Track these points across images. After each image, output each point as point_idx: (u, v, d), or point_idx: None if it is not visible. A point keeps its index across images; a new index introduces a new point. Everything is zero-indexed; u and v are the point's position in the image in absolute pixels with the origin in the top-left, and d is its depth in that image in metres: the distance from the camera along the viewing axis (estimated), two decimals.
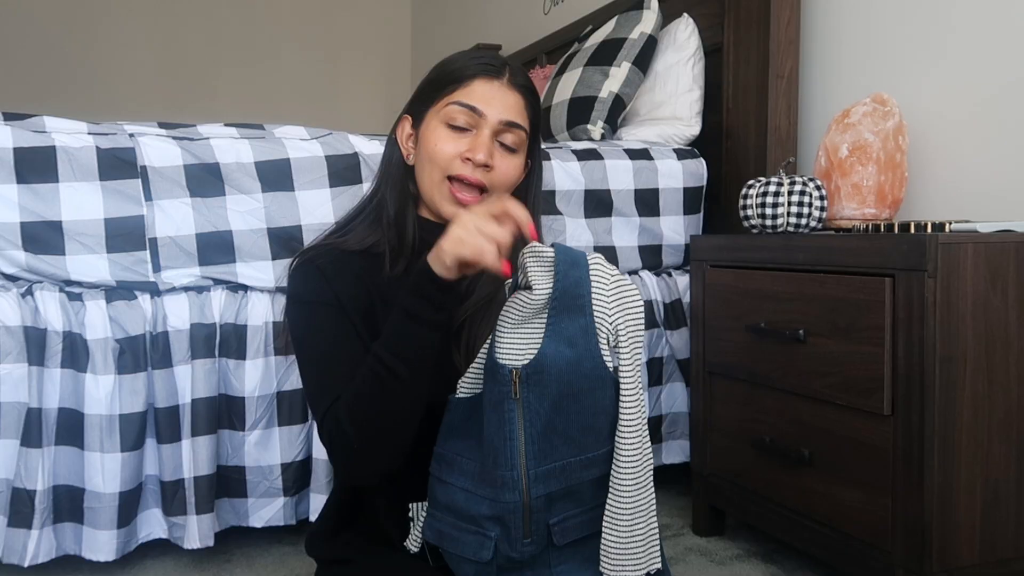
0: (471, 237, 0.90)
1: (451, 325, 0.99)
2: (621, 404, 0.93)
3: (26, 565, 1.43)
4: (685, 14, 2.18)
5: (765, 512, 1.53)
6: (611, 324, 0.93)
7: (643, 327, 0.96)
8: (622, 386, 0.93)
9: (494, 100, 1.06)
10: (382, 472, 1.01)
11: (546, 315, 0.92)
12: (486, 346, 0.96)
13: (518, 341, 0.92)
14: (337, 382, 0.99)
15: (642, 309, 0.95)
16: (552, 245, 0.94)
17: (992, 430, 1.26)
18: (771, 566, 1.59)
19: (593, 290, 0.93)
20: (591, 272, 0.93)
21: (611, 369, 0.93)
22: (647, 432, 0.95)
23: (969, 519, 1.25)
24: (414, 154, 1.11)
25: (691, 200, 1.99)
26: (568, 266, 0.92)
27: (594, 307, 0.92)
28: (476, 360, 0.97)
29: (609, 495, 0.94)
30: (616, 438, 0.93)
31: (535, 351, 0.91)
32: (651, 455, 0.96)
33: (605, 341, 0.93)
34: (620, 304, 0.94)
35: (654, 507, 0.96)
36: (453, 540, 0.95)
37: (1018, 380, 1.28)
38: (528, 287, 0.93)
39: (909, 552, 1.25)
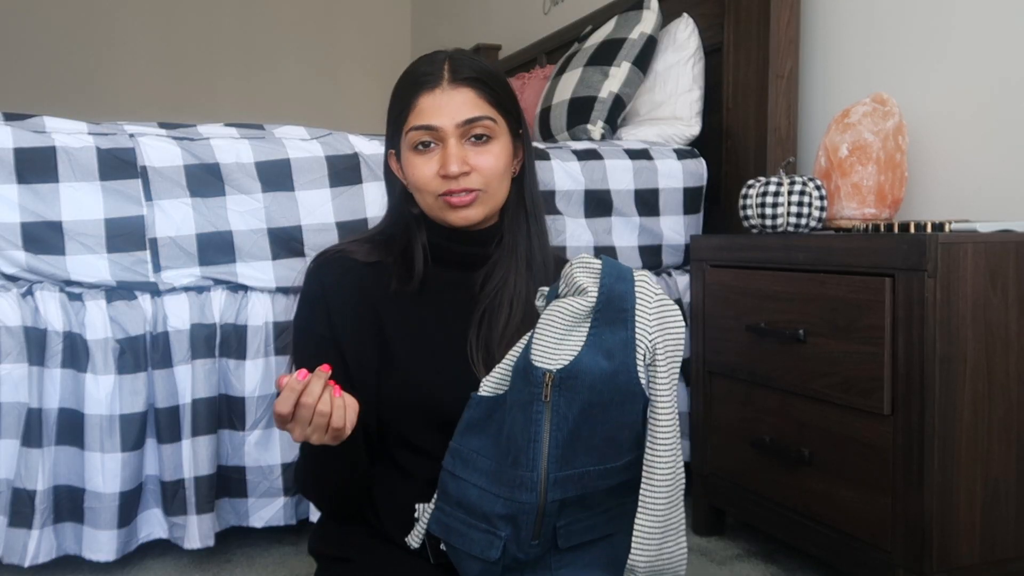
0: (305, 432, 0.92)
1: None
2: (655, 423, 0.92)
3: (26, 565, 1.43)
4: (685, 14, 2.18)
5: (765, 512, 1.53)
6: (650, 341, 0.92)
7: (682, 349, 0.94)
8: (658, 406, 0.92)
9: (443, 108, 1.04)
10: (343, 511, 1.10)
11: (588, 324, 0.92)
12: (518, 347, 0.96)
13: (556, 345, 0.92)
14: None
15: (683, 330, 0.94)
16: (599, 257, 0.94)
17: (992, 430, 1.26)
18: (771, 566, 1.59)
19: (637, 305, 0.92)
20: (636, 287, 0.93)
21: (643, 385, 0.93)
22: (680, 451, 0.94)
23: (969, 519, 1.25)
24: (408, 183, 1.11)
25: (691, 200, 1.99)
26: (614, 279, 0.92)
27: (636, 322, 0.92)
28: (504, 360, 0.97)
29: (639, 514, 0.93)
30: (649, 458, 0.92)
31: (571, 357, 0.91)
32: (683, 475, 0.95)
33: (642, 358, 0.93)
34: (661, 323, 0.93)
35: (684, 527, 0.96)
36: (461, 536, 0.95)
37: (1018, 380, 1.28)
38: (579, 292, 0.93)
39: (909, 552, 1.25)
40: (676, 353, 0.94)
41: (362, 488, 1.08)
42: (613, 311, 0.91)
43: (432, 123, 1.04)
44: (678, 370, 0.95)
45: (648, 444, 0.93)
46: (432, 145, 1.05)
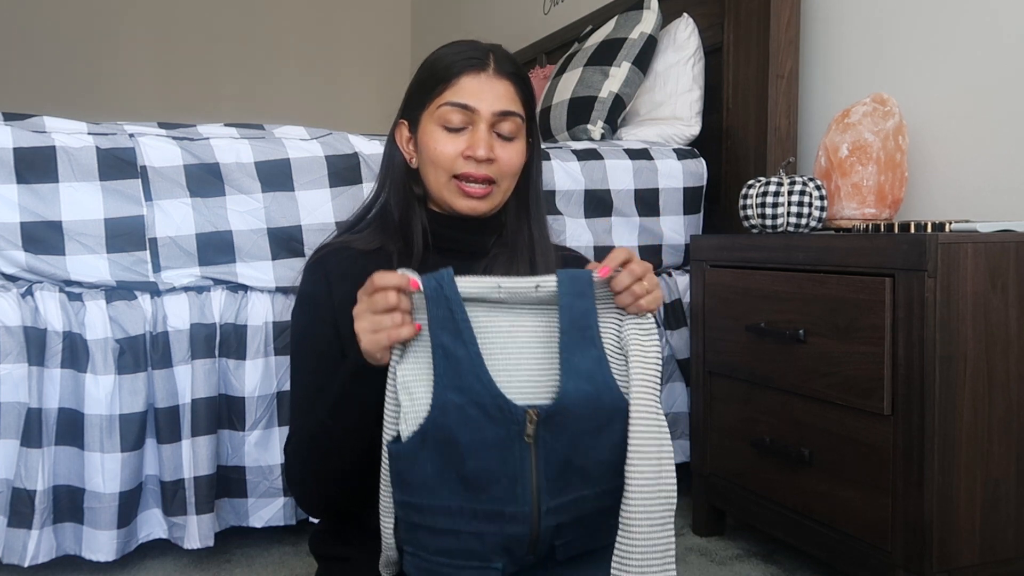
0: (375, 336, 0.86)
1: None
2: (631, 431, 0.85)
3: (26, 565, 1.43)
4: (685, 14, 2.18)
5: (765, 512, 1.53)
6: (623, 338, 0.88)
7: (657, 348, 0.88)
8: (633, 409, 0.85)
9: (484, 93, 1.05)
10: (331, 511, 1.05)
11: (554, 348, 0.87)
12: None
13: (530, 376, 0.86)
14: (308, 413, 1.02)
15: (654, 328, 0.89)
16: (555, 274, 0.87)
17: (992, 430, 1.26)
18: (771, 566, 1.59)
19: (600, 316, 0.88)
20: (598, 302, 0.88)
21: (627, 399, 0.87)
22: (667, 463, 0.86)
23: (969, 519, 1.25)
24: (416, 158, 1.11)
25: (691, 200, 1.98)
26: (573, 297, 0.87)
27: (601, 330, 0.87)
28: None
29: (619, 534, 0.86)
30: (627, 470, 0.85)
31: (551, 387, 0.86)
32: (672, 491, 0.86)
33: (623, 360, 0.87)
34: (632, 327, 0.88)
35: (670, 553, 0.86)
36: None
37: (1018, 380, 1.28)
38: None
39: (909, 552, 1.25)
40: (650, 355, 0.88)
41: (362, 481, 1.00)
42: (577, 331, 0.87)
43: (471, 103, 1.05)
44: (657, 358, 0.88)
45: (628, 455, 0.86)
46: (462, 127, 1.06)
